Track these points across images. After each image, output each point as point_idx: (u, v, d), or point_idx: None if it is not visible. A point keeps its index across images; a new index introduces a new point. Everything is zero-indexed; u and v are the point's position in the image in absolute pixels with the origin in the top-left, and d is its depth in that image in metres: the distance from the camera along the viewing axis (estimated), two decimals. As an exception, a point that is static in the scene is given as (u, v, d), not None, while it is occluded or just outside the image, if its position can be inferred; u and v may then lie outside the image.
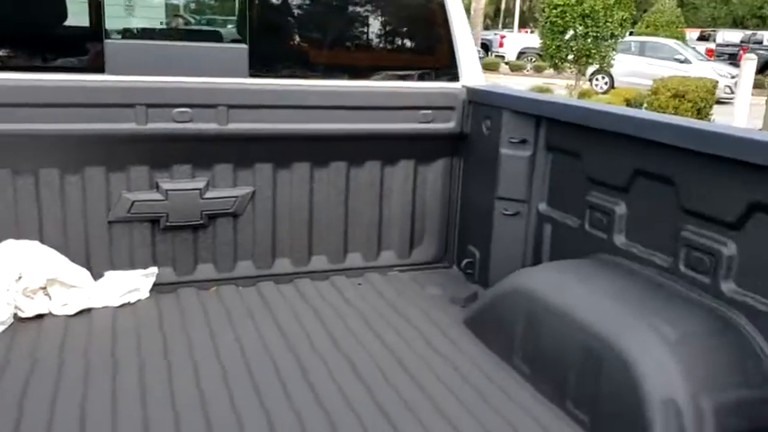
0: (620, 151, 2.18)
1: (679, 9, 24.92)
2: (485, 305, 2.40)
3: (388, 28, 2.90)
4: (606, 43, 13.36)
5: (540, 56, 18.86)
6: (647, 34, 22.36)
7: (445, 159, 2.93)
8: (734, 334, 1.78)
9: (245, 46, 2.58)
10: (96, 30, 2.41)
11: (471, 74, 2.89)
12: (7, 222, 2.43)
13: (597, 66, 14.50)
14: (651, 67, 19.16)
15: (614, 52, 13.83)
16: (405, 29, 2.92)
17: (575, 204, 2.42)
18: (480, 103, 2.77)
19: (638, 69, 19.00)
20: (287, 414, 1.85)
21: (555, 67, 14.64)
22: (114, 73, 2.42)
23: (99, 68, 2.40)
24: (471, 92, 2.83)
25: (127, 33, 2.54)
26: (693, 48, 22.39)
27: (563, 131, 2.46)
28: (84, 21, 2.40)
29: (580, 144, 2.37)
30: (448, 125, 2.84)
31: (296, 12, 2.78)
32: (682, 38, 23.27)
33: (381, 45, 2.90)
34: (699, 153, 1.86)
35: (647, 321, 1.83)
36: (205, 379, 2.01)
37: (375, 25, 2.88)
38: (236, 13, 2.62)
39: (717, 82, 15.41)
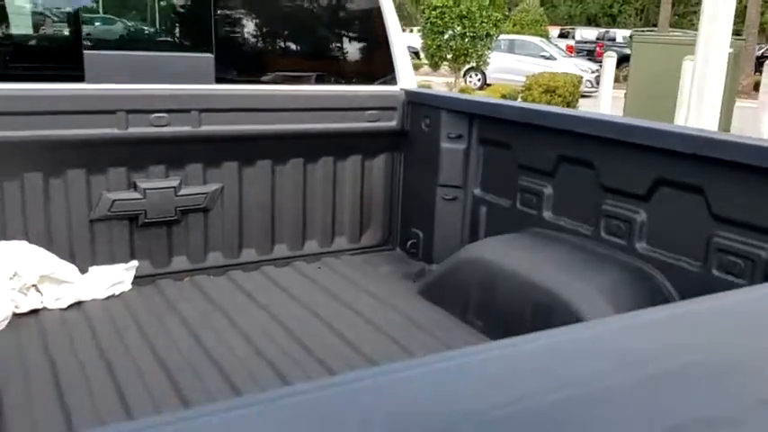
0: (546, 141, 2.64)
1: (542, 8, 26.55)
2: (439, 275, 2.81)
3: (336, 38, 3.24)
4: (482, 42, 14.22)
5: (416, 54, 19.64)
6: (513, 32, 23.72)
7: (388, 154, 3.31)
8: (648, 282, 2.28)
9: (211, 55, 2.84)
10: (76, 41, 2.60)
11: (407, 78, 3.28)
12: None
13: (474, 64, 15.37)
14: (520, 63, 20.41)
15: (489, 51, 14.74)
16: (351, 39, 3.27)
17: (507, 188, 2.87)
18: (419, 103, 3.17)
19: (508, 66, 20.19)
20: (274, 380, 2.18)
21: (435, 65, 15.37)
22: (93, 82, 2.62)
23: (79, 77, 2.60)
24: (410, 94, 3.22)
25: (104, 44, 2.73)
26: (556, 45, 23.99)
27: (494, 127, 2.90)
28: (64, 32, 2.58)
29: (510, 137, 2.82)
30: (390, 123, 3.22)
31: (256, 24, 3.06)
32: (546, 36, 24.87)
33: (331, 53, 3.24)
34: (615, 140, 2.35)
35: (581, 276, 2.30)
36: (191, 353, 2.29)
37: (325, 36, 3.21)
38: (203, 25, 2.87)
39: (581, 77, 16.72)
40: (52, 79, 2.58)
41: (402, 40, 3.26)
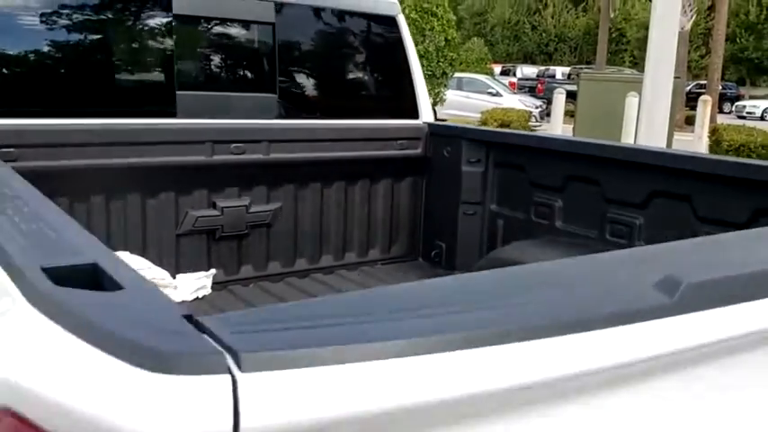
0: (556, 163, 3.26)
1: (486, 47, 27.86)
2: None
3: (371, 81, 3.82)
4: (438, 81, 15.05)
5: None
6: (460, 70, 24.84)
7: (413, 177, 3.89)
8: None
9: (275, 95, 3.38)
10: (170, 84, 3.11)
11: (427, 113, 3.88)
12: (101, 237, 3.03)
13: (431, 101, 16.14)
14: (469, 100, 21.40)
15: (445, 89, 15.59)
16: (383, 82, 3.85)
17: (522, 202, 3.47)
18: (442, 134, 3.77)
19: (458, 102, 21.12)
20: None
21: (392, 101, 16.09)
22: (183, 117, 3.12)
23: (172, 114, 3.10)
24: (432, 126, 3.82)
25: (192, 86, 3.23)
26: (500, 82, 25.19)
27: (508, 152, 3.52)
28: (162, 77, 3.10)
29: (524, 160, 3.43)
30: (416, 151, 3.80)
31: (308, 71, 3.62)
32: (491, 73, 26.08)
33: (367, 93, 3.82)
34: (616, 160, 2.98)
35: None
36: None
37: (363, 79, 3.79)
38: (268, 72, 3.40)
39: (530, 112, 17.75)
40: (151, 115, 3.08)
41: (422, 83, 3.86)
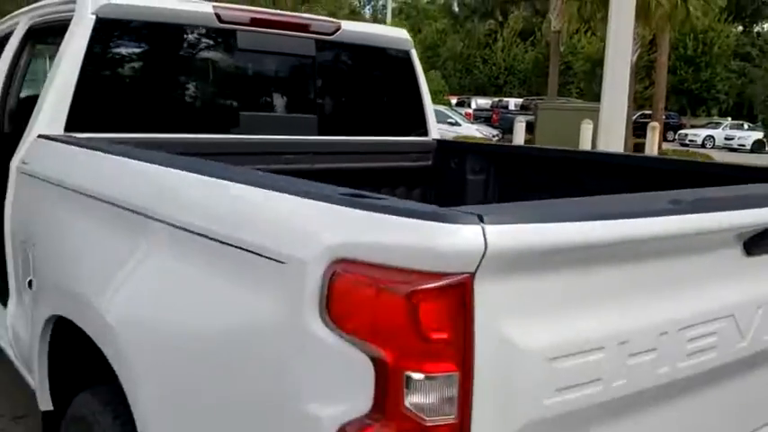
0: (547, 170, 4.01)
1: (443, 80, 29.05)
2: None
3: (389, 103, 4.54)
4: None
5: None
6: (419, 101, 25.76)
7: (424, 184, 4.60)
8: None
9: (315, 116, 4.07)
10: (236, 107, 3.78)
11: (434, 131, 4.62)
12: None
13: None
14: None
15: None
16: (399, 104, 4.58)
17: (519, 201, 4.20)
18: (449, 149, 4.49)
19: (419, 131, 22.04)
20: None
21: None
22: (246, 133, 3.78)
23: (237, 130, 3.76)
24: (440, 142, 4.55)
25: (251, 108, 3.89)
26: (458, 111, 26.32)
27: (506, 162, 4.27)
28: (229, 102, 3.77)
29: (519, 168, 4.18)
30: (427, 163, 4.52)
31: (342, 96, 4.32)
32: (448, 104, 27.19)
33: (389, 114, 4.53)
34: (597, 162, 3.74)
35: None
36: None
37: (384, 102, 4.51)
38: (309, 97, 4.10)
39: (489, 139, 18.74)
40: (221, 131, 3.73)
41: (431, 107, 4.61)
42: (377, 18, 56.09)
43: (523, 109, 28.43)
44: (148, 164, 2.29)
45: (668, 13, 22.93)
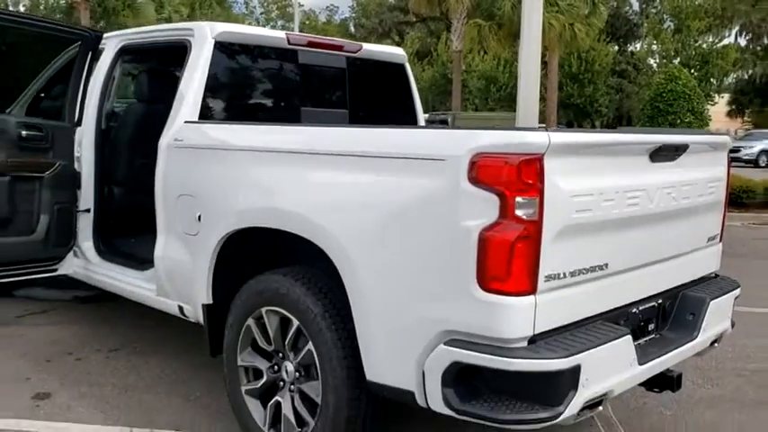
0: None
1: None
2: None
3: (393, 99, 6.19)
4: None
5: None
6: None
7: None
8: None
9: (346, 110, 5.66)
10: (298, 105, 5.33)
11: (421, 119, 6.29)
12: None
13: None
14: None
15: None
16: (399, 101, 6.22)
17: None
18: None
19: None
20: None
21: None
22: (303, 123, 5.32)
23: (298, 122, 5.30)
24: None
25: (307, 105, 5.43)
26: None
27: None
28: (295, 102, 5.34)
29: None
30: None
31: (363, 97, 5.91)
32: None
33: (392, 107, 6.17)
34: None
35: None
36: None
37: (388, 98, 6.16)
38: (343, 96, 5.68)
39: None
40: (289, 121, 5.24)
41: (421, 110, 6.29)
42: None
43: (430, 123, 30.52)
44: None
45: (559, 33, 25.81)
